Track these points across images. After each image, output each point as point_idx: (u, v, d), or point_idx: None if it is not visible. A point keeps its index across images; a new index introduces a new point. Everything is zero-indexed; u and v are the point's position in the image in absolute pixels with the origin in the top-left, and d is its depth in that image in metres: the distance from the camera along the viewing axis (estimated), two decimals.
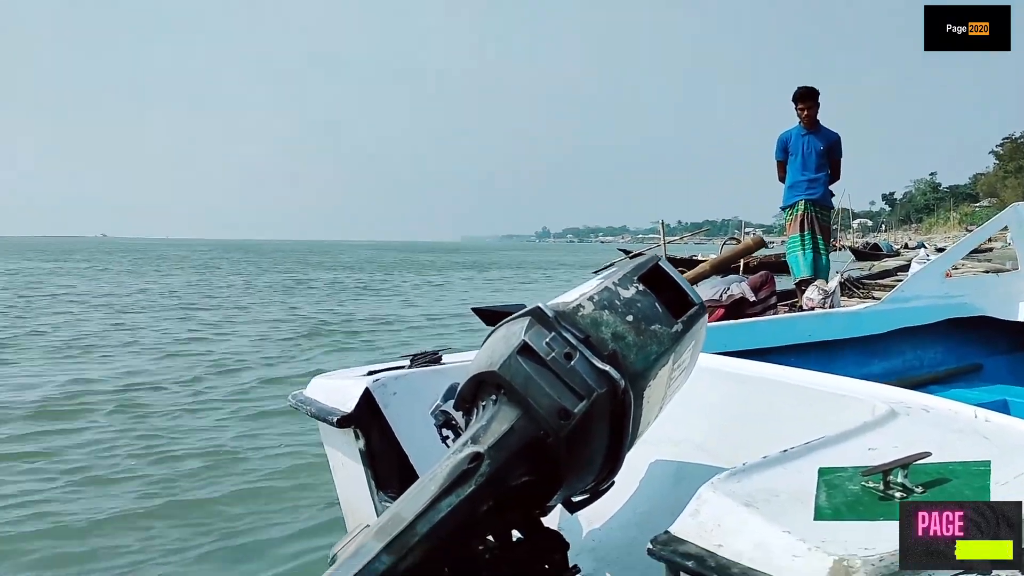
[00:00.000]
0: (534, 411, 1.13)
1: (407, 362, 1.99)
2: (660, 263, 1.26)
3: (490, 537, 1.27)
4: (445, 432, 1.36)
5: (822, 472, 1.11)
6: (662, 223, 17.01)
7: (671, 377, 1.27)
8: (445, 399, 1.35)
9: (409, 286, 27.21)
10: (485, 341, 1.27)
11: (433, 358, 1.99)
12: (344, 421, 1.79)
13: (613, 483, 1.29)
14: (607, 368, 1.14)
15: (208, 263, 46.44)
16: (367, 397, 1.80)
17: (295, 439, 6.19)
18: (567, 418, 1.12)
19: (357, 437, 1.80)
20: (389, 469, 1.80)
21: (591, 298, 1.21)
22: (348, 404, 1.80)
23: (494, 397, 1.18)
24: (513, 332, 1.18)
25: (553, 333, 1.15)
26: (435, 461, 1.23)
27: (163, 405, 7.46)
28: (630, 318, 1.19)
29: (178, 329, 13.65)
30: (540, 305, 1.19)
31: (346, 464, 1.90)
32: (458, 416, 1.32)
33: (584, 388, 1.13)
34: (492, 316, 1.81)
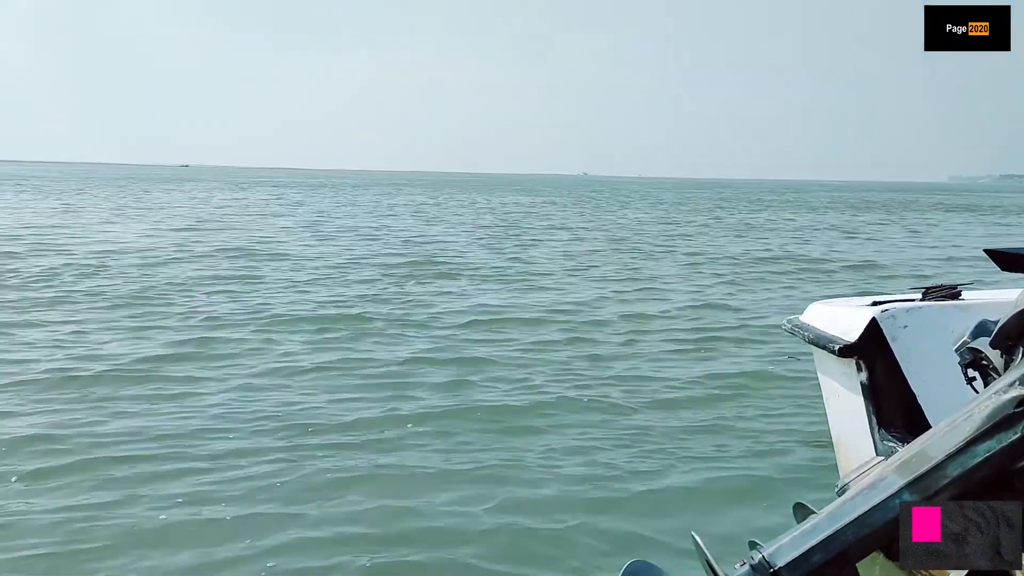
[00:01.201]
0: None
1: (918, 295, 1.83)
2: None
3: None
4: (972, 372, 1.23)
5: None
6: None
7: None
8: (975, 336, 1.22)
9: (881, 229, 25.24)
10: None
11: (951, 292, 1.79)
12: (846, 351, 1.71)
13: None
14: None
15: (678, 201, 48.48)
16: (873, 328, 1.70)
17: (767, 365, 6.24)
18: None
19: (860, 369, 1.72)
20: (894, 406, 1.68)
21: None
22: (851, 333, 1.72)
23: None
24: None
25: None
26: (950, 404, 1.12)
27: (623, 326, 8.12)
28: None
29: (651, 263, 14.64)
30: None
31: (843, 395, 1.83)
32: (993, 355, 1.18)
33: None
34: (1011, 259, 1.58)
